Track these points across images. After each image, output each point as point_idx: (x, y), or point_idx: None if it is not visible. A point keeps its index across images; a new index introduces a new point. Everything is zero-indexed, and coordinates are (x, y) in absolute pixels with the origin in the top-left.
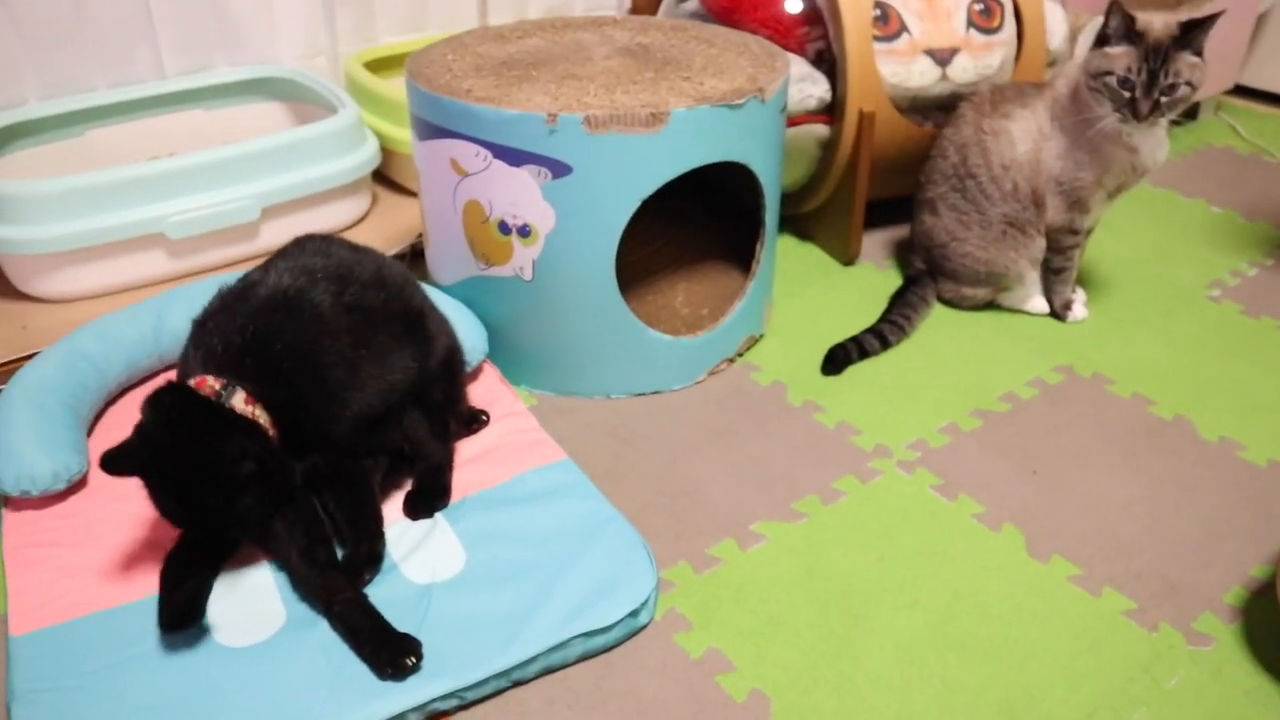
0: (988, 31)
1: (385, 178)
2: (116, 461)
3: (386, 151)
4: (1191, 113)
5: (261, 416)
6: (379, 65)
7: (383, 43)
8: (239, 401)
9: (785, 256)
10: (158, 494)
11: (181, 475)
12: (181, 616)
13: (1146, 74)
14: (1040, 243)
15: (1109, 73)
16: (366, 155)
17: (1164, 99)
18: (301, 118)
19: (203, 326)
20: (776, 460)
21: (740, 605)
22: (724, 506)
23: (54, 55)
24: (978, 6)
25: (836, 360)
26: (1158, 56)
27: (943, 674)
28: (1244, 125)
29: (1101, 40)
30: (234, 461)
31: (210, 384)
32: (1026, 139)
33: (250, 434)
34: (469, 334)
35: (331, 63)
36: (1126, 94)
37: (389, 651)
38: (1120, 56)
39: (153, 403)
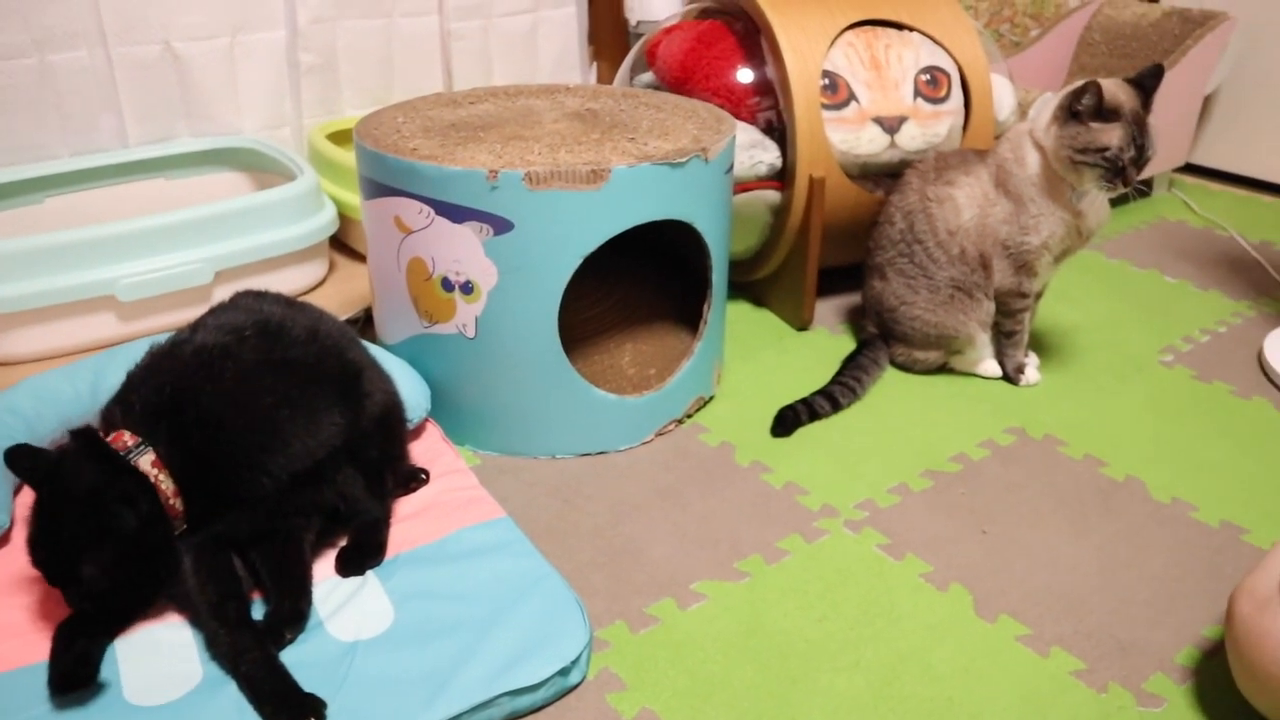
0: (935, 101)
1: (345, 246)
2: (22, 458)
3: (346, 219)
4: (1145, 188)
5: (165, 483)
6: (343, 137)
7: (348, 115)
8: (146, 462)
9: (739, 322)
10: (36, 527)
11: (63, 511)
12: (70, 679)
13: (1135, 148)
14: (989, 306)
15: (1104, 148)
16: (323, 221)
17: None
18: (263, 187)
19: (130, 381)
20: (721, 520)
21: (677, 665)
22: (665, 566)
23: (14, 121)
24: (924, 77)
25: (786, 422)
26: (1140, 129)
27: None
28: (1196, 201)
29: (1073, 115)
30: (116, 508)
31: (125, 440)
32: (972, 205)
33: (143, 494)
34: (411, 392)
35: (296, 134)
36: (1119, 165)
37: (289, 713)
38: (1111, 132)
39: (70, 437)
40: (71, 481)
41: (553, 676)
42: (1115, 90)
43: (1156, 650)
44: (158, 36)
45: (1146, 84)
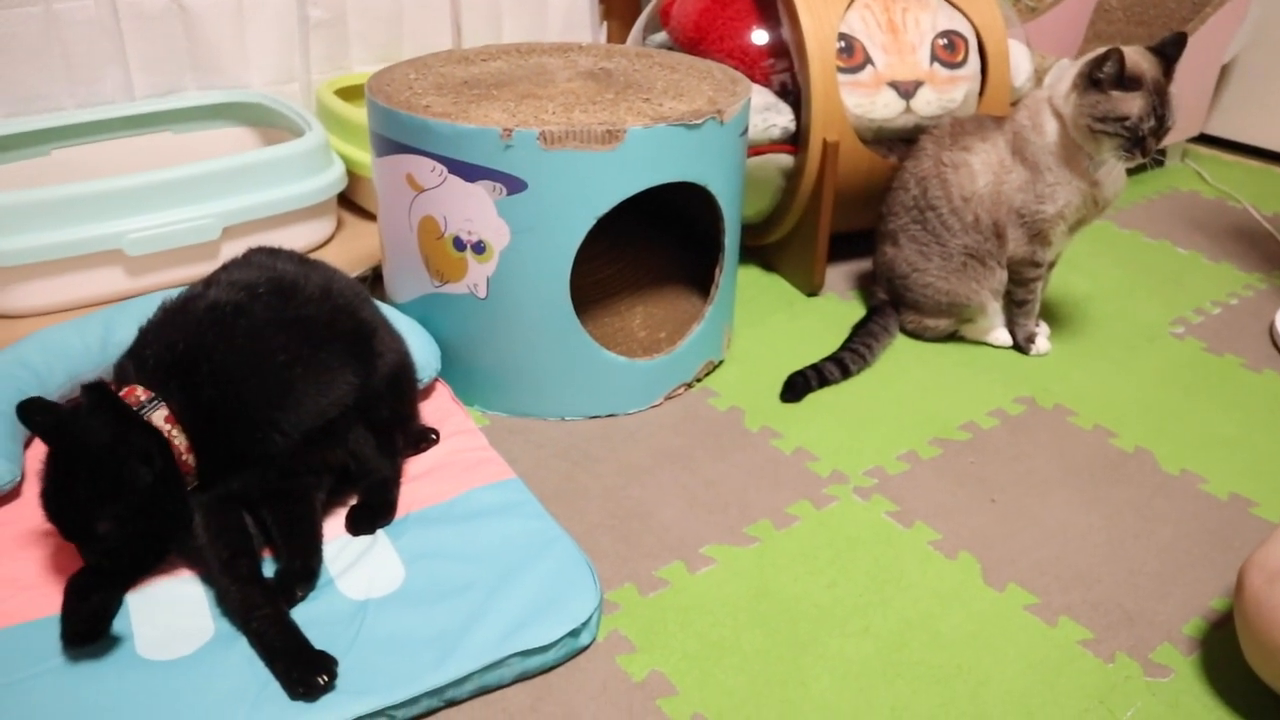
0: (952, 66)
1: (352, 203)
2: (35, 412)
3: (354, 177)
4: (1161, 158)
5: (178, 438)
6: (351, 93)
7: (356, 71)
8: (159, 417)
9: (749, 287)
10: (50, 482)
11: (78, 465)
12: (84, 632)
13: (1155, 118)
14: (1002, 274)
15: (1124, 117)
16: (331, 178)
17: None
18: (271, 142)
19: (143, 336)
20: (730, 484)
21: (686, 628)
22: (674, 529)
23: (20, 72)
24: (942, 41)
25: (796, 387)
26: (1161, 99)
27: (892, 702)
28: (1209, 172)
29: (1095, 83)
30: (132, 463)
31: (138, 394)
32: (987, 172)
33: (157, 449)
34: (421, 351)
35: (304, 90)
36: (1139, 135)
37: (301, 670)
38: (1132, 101)
39: (82, 392)
40: (85, 437)
41: (563, 638)
42: (1137, 59)
43: (1164, 621)
44: None
45: (1168, 52)
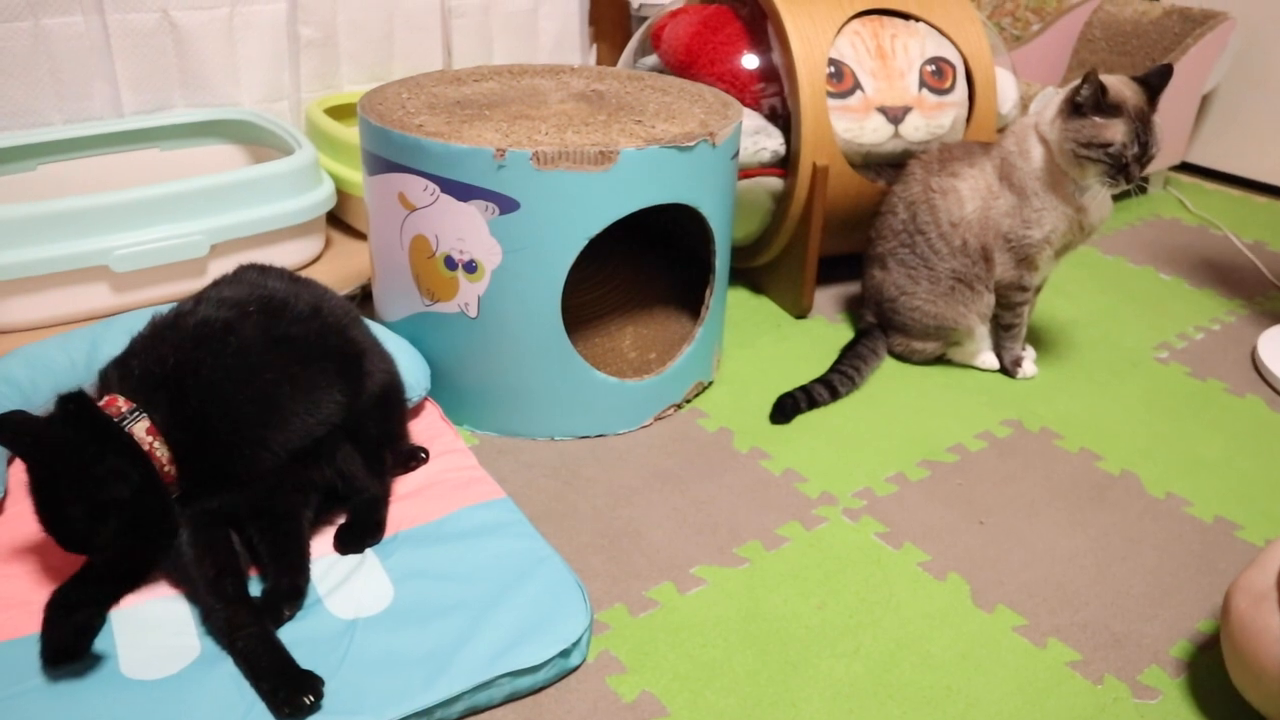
0: (940, 92)
1: (341, 221)
2: (7, 426)
3: (343, 195)
4: (1142, 186)
5: (160, 451)
6: (341, 112)
7: (346, 90)
8: (140, 429)
9: (738, 308)
10: (34, 493)
11: (56, 478)
12: (65, 651)
13: (1138, 145)
14: (989, 298)
15: (1108, 144)
16: (321, 197)
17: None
18: (259, 160)
19: (132, 347)
20: (720, 505)
21: (676, 649)
22: (664, 550)
23: (8, 85)
24: (930, 68)
25: (785, 409)
26: (1145, 127)
27: None
28: (1190, 199)
29: (1079, 109)
30: (105, 480)
31: (118, 405)
32: (975, 197)
33: (137, 462)
34: (411, 370)
35: (293, 108)
36: (1122, 162)
37: (287, 689)
38: (1114, 127)
39: (59, 402)
40: (60, 453)
41: (554, 658)
42: (1120, 87)
43: (1151, 643)
44: (156, 4)
45: (1153, 82)
